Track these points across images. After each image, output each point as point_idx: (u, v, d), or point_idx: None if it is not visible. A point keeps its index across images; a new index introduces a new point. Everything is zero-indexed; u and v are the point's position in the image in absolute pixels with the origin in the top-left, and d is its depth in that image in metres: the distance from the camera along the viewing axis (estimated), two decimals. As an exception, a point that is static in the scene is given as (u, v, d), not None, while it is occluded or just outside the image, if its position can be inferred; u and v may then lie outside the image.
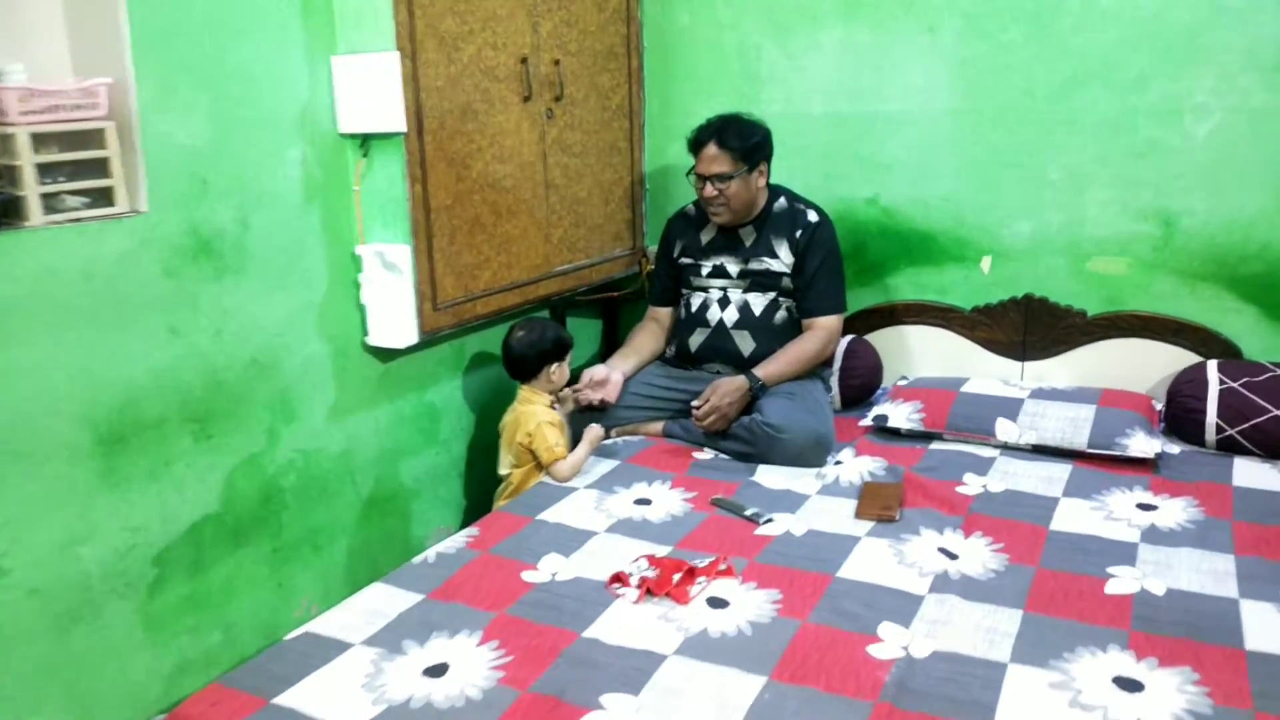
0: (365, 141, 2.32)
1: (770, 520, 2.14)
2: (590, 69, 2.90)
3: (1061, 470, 2.38)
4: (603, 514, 2.21)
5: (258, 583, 2.26)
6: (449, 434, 2.77)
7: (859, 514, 2.17)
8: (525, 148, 2.67)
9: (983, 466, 2.42)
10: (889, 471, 2.39)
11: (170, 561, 2.04)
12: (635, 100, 3.13)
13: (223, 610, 2.17)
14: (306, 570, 2.38)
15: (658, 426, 2.71)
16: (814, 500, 2.27)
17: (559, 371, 2.56)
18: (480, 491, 2.82)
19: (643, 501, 2.27)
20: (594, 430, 2.51)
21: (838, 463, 2.46)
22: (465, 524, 2.82)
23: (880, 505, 2.18)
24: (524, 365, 2.52)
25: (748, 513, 2.17)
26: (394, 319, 2.38)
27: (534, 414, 2.46)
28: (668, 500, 2.27)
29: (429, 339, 2.48)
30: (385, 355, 2.51)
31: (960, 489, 2.29)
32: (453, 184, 2.45)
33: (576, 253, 2.95)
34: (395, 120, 2.25)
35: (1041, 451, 2.48)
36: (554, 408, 2.55)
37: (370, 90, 2.25)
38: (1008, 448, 2.52)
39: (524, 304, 2.77)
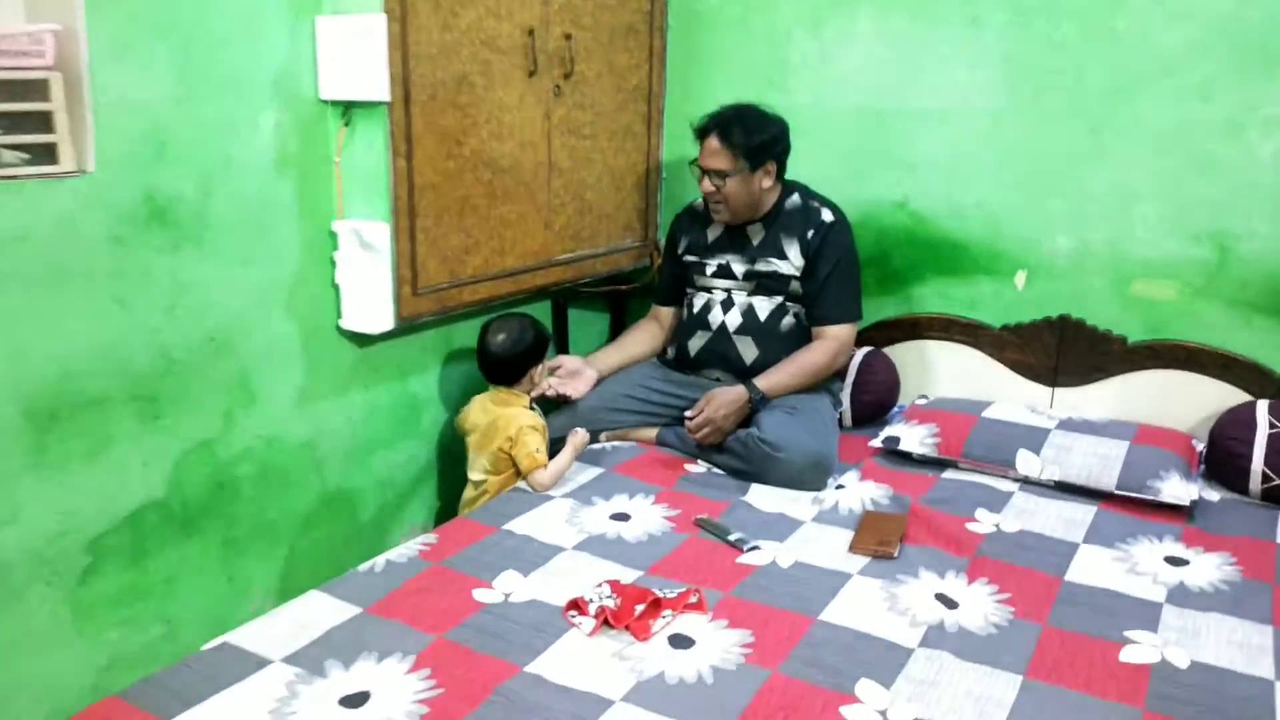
0: (348, 109, 2.16)
1: (756, 548, 1.95)
2: (606, 46, 2.71)
3: (1085, 512, 2.16)
4: (574, 528, 2.03)
5: (206, 575, 2.11)
6: (430, 426, 2.61)
7: (854, 547, 1.97)
8: (527, 126, 2.49)
9: (998, 502, 2.20)
10: (894, 501, 2.18)
11: (106, 549, 1.90)
12: (655, 82, 2.94)
13: (165, 603, 2.03)
14: (262, 564, 2.23)
15: (651, 433, 2.53)
16: (808, 528, 2.08)
17: (541, 370, 2.38)
18: (461, 489, 2.65)
19: (620, 517, 2.09)
20: (579, 435, 2.33)
21: (839, 486, 2.26)
22: (441, 522, 2.68)
23: (878, 539, 1.98)
24: (506, 369, 2.35)
25: (731, 537, 1.98)
26: (369, 302, 2.22)
27: (514, 417, 2.29)
28: (647, 517, 2.09)
29: (407, 325, 2.32)
30: (362, 340, 2.35)
31: (970, 526, 2.08)
32: (442, 160, 2.28)
33: (580, 241, 2.77)
34: (379, 88, 2.09)
35: (1065, 489, 2.26)
36: (532, 408, 2.38)
37: (354, 54, 2.08)
38: (1028, 482, 2.30)
39: (518, 293, 2.59)
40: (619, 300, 3.18)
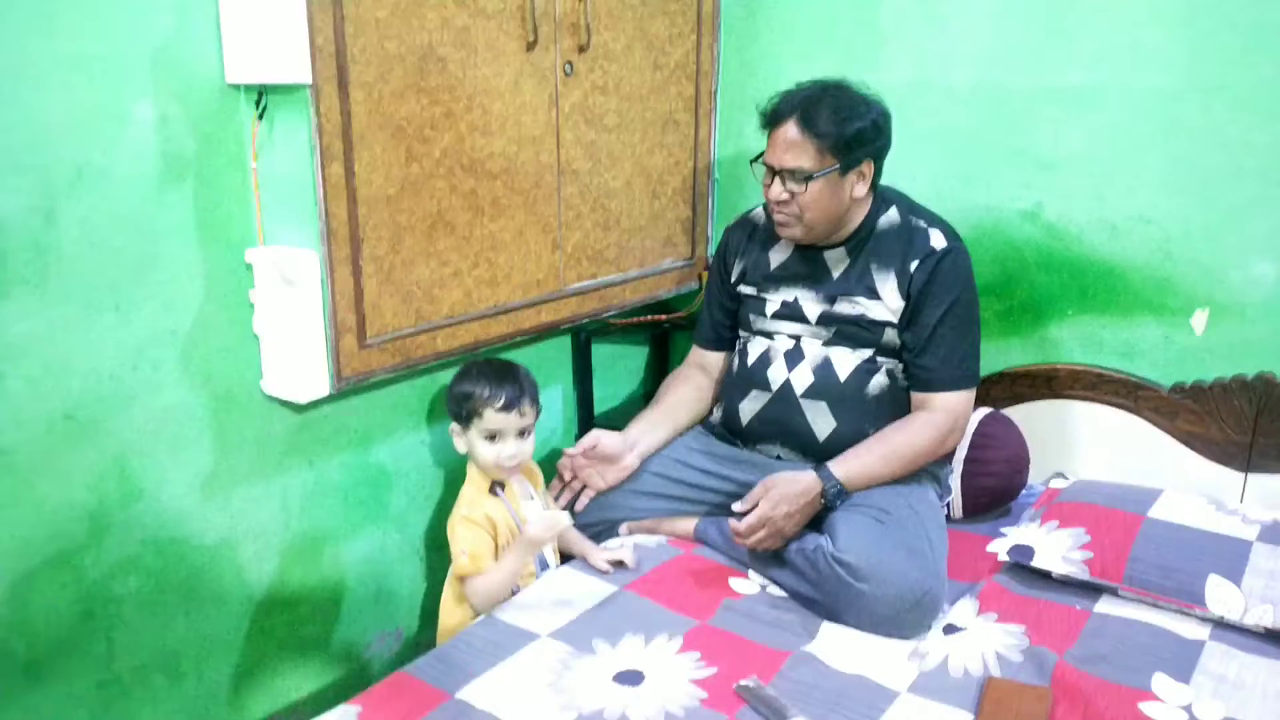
0: (262, 97, 1.57)
1: (823, 747, 1.31)
2: (636, 9, 2.07)
3: (1322, 685, 1.45)
4: (560, 699, 1.41)
5: (73, 730, 1.56)
6: (404, 507, 2.01)
7: (974, 751, 1.31)
8: (526, 116, 1.87)
9: (1184, 660, 1.51)
10: (1029, 657, 1.51)
11: (-97, 716, 1.36)
12: (705, 57, 2.29)
13: (7, 773, 1.49)
14: (160, 706, 1.67)
15: (688, 525, 1.89)
16: (902, 706, 1.42)
17: (457, 440, 1.78)
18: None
19: (629, 678, 1.46)
20: (540, 526, 1.64)
21: (949, 629, 1.59)
22: (424, 623, 2.09)
23: (1011, 737, 1.32)
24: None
25: (788, 727, 1.34)
26: (296, 359, 1.63)
27: (458, 503, 1.74)
28: (669, 678, 1.45)
29: (352, 386, 1.72)
30: (301, 403, 1.76)
31: (1149, 708, 1.39)
32: (401, 163, 1.67)
33: (604, 265, 2.15)
34: (296, 65, 1.49)
35: (1283, 640, 1.56)
36: (496, 493, 1.76)
37: (266, 18, 1.49)
38: (1223, 625, 1.60)
39: (515, 334, 1.98)
40: (662, 333, 2.54)
